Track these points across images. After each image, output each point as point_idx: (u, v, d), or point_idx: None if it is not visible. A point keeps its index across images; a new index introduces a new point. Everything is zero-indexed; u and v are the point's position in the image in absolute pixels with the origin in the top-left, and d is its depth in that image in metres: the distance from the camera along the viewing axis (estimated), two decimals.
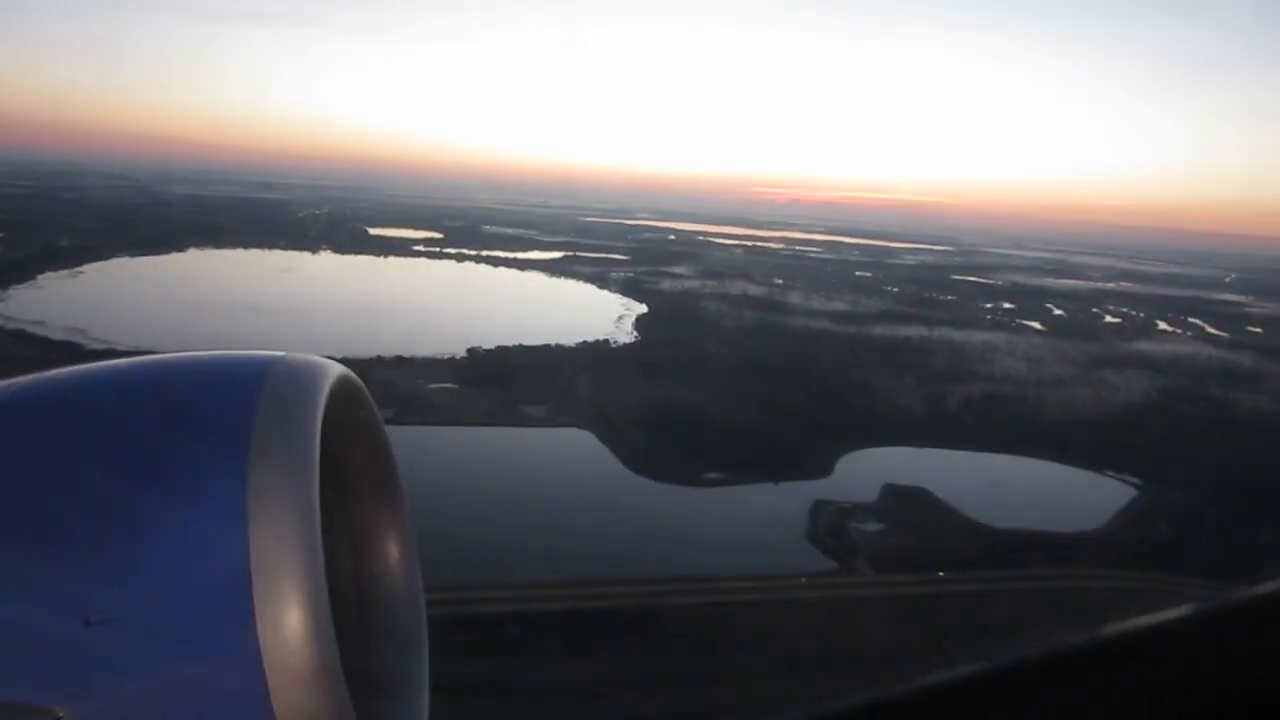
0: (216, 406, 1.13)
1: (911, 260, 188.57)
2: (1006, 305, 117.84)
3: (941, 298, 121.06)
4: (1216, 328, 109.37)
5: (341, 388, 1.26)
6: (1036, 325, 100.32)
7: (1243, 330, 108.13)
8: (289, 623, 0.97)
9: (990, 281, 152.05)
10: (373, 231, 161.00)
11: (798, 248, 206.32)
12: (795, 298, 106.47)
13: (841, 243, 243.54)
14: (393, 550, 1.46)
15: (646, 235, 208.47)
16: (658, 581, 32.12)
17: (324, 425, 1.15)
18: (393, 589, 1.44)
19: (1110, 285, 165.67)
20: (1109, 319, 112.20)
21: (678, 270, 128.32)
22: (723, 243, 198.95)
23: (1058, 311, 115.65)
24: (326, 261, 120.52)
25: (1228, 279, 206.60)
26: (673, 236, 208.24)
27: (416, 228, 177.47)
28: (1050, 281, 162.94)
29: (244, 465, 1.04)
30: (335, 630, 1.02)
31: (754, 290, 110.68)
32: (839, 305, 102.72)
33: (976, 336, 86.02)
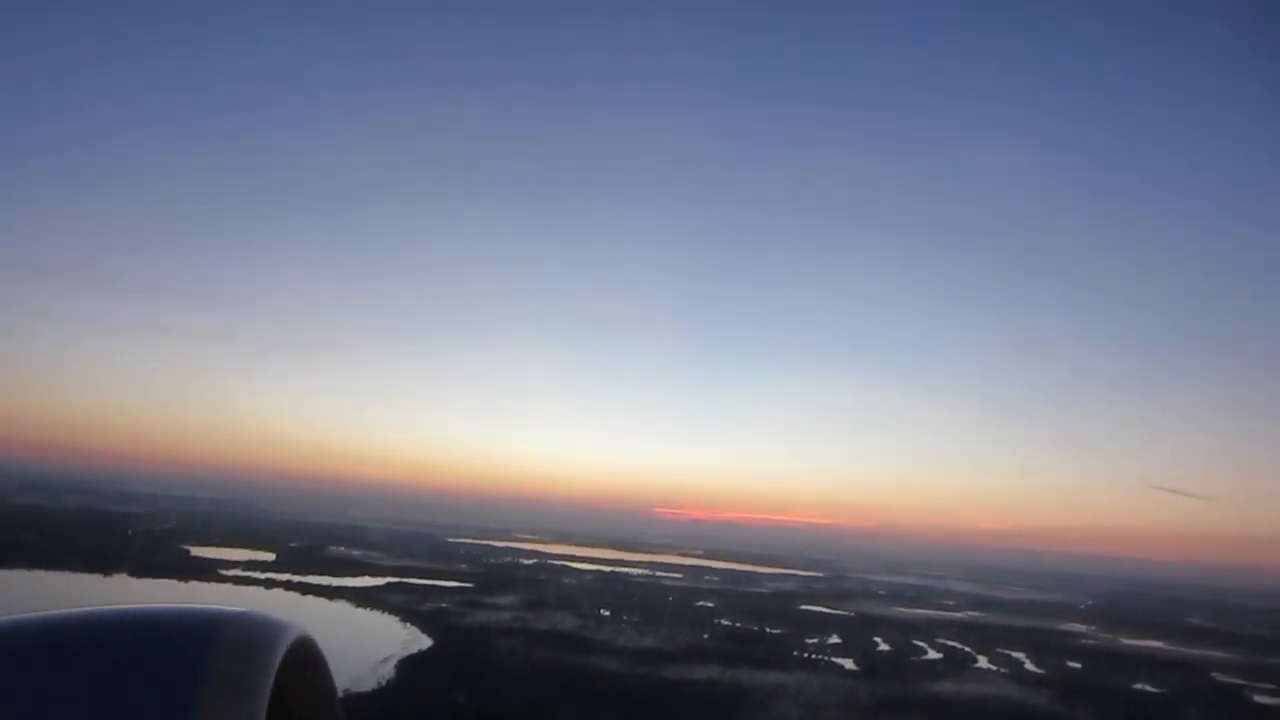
0: (162, 670, 1.03)
1: (768, 588, 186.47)
2: (834, 640, 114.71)
3: (769, 631, 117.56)
4: (1035, 663, 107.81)
5: (298, 651, 1.18)
6: (848, 664, 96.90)
7: (1060, 666, 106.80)
8: None
9: (835, 612, 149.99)
10: (196, 552, 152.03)
11: (659, 573, 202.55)
12: (605, 633, 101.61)
13: (710, 568, 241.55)
14: None
15: (504, 559, 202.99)
16: None
17: (276, 691, 1.08)
18: None
19: (958, 615, 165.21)
20: (930, 654, 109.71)
21: (503, 600, 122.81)
22: (580, 568, 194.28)
23: (883, 646, 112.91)
24: (107, 586, 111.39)
25: (1082, 606, 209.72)
26: (531, 561, 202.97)
27: (254, 547, 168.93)
28: (898, 611, 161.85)
29: None
30: None
31: (568, 624, 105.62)
32: (648, 642, 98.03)
33: (771, 679, 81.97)
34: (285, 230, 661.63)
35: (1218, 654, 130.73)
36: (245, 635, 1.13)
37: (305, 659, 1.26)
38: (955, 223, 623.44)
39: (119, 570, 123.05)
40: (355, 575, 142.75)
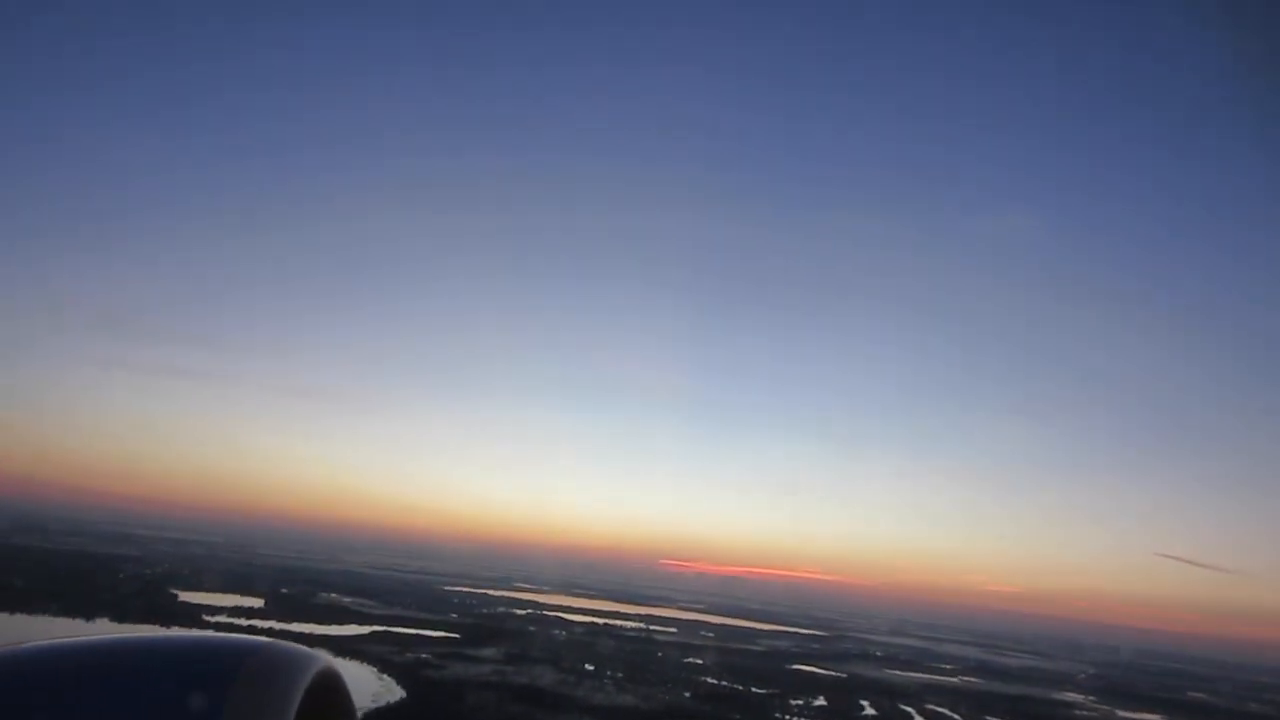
0: (183, 698, 0.99)
1: (761, 646, 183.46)
2: (819, 703, 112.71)
3: (754, 692, 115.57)
4: None
5: (322, 683, 1.16)
6: None
7: None
8: None
9: (826, 673, 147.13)
10: (184, 598, 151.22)
11: (653, 628, 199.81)
12: (583, 690, 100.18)
13: (706, 623, 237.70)
14: None
15: (498, 609, 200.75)
16: None
17: None
18: None
19: (953, 680, 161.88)
20: None
21: (486, 652, 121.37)
22: (573, 620, 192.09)
23: (869, 711, 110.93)
24: (84, 633, 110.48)
25: (1082, 675, 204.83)
26: (524, 611, 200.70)
27: (244, 593, 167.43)
28: (892, 674, 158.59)
29: None
30: None
31: (547, 679, 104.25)
32: (626, 700, 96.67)
33: None
34: (294, 274, 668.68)
35: None
36: (268, 665, 1.10)
37: (329, 691, 1.23)
38: (962, 290, 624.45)
39: (101, 615, 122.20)
40: (342, 623, 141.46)
